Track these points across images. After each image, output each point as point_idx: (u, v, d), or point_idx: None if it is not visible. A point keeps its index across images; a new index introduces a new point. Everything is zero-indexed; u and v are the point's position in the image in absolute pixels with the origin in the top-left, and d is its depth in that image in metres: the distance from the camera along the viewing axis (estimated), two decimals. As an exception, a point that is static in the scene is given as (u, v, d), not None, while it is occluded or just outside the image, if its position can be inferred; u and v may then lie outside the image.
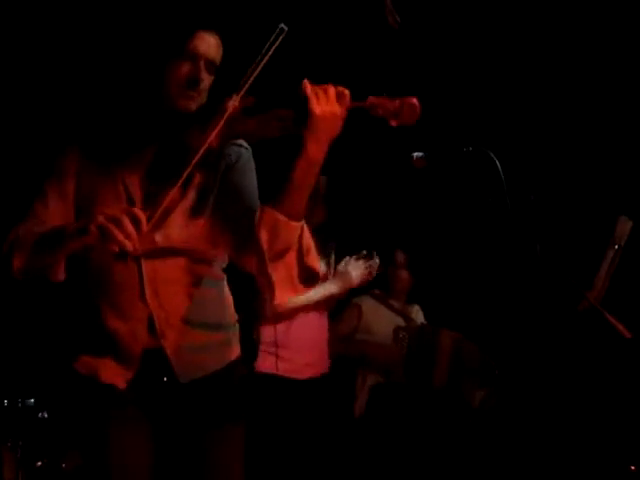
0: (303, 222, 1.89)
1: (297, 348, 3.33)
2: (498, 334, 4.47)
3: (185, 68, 1.93)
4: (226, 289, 2.15)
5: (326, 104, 1.82)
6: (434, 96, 4.55)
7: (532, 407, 4.14)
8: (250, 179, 2.04)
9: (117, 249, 1.73)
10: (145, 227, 1.74)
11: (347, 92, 1.85)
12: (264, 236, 1.86)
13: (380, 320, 4.29)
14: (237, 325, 2.18)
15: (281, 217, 1.85)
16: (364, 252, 3.53)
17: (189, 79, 1.93)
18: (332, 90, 1.84)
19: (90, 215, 1.85)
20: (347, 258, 3.51)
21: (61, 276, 1.99)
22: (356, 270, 3.48)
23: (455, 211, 4.72)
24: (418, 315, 4.47)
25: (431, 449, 3.96)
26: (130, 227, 1.71)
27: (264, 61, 1.86)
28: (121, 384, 2.00)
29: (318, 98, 1.82)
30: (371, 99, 1.89)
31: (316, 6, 3.86)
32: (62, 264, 1.98)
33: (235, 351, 2.15)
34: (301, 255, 1.90)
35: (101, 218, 1.74)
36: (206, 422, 2.03)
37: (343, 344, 4.15)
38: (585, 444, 3.96)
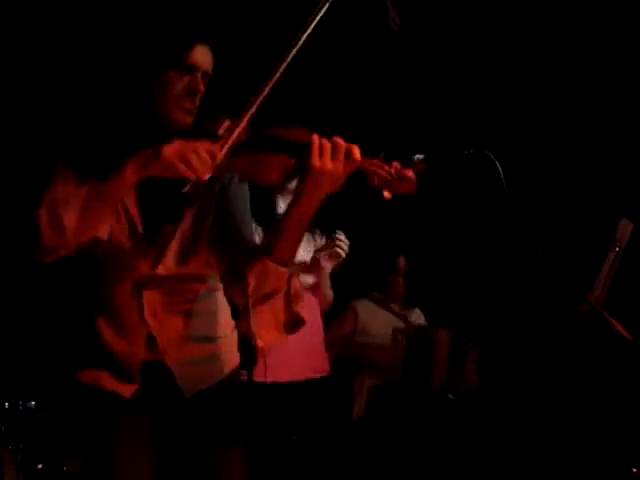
0: (292, 269, 1.88)
1: (290, 351, 3.30)
2: (500, 336, 4.46)
3: (185, 80, 1.90)
4: (222, 299, 2.14)
5: (330, 160, 1.76)
6: (435, 99, 4.57)
7: (534, 409, 4.14)
8: (241, 200, 2.02)
9: (193, 176, 1.72)
10: (220, 157, 1.73)
11: (357, 152, 1.79)
12: (252, 281, 1.85)
13: (378, 322, 4.31)
14: (235, 332, 2.18)
15: (270, 264, 1.83)
16: (329, 234, 3.50)
17: (190, 90, 1.89)
18: (342, 147, 1.77)
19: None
20: (312, 247, 3.49)
21: (107, 232, 1.91)
22: (324, 254, 3.44)
23: (456, 214, 4.71)
24: (419, 318, 4.47)
25: (430, 450, 3.96)
26: (197, 163, 1.72)
27: (268, 89, 1.82)
28: (126, 394, 1.99)
29: (322, 152, 1.76)
30: (366, 163, 1.80)
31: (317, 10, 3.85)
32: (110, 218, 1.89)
33: (235, 359, 2.15)
34: (289, 300, 1.88)
35: (168, 153, 1.74)
36: (209, 431, 2.03)
37: (341, 347, 4.17)
38: (587, 446, 3.96)
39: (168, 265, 1.97)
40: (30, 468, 3.67)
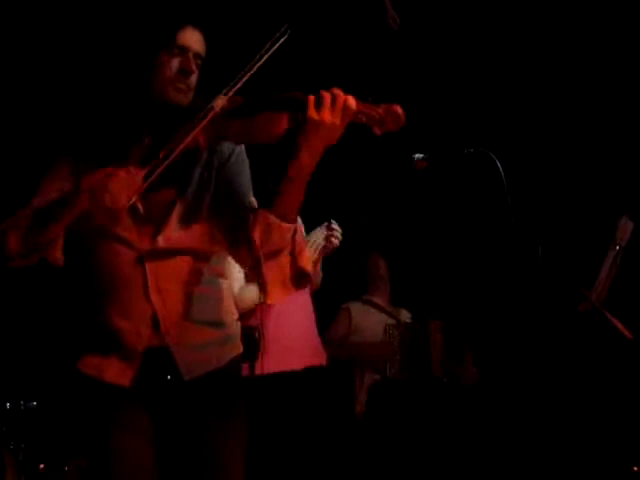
0: (296, 224, 1.92)
1: (285, 339, 3.31)
2: (501, 335, 4.47)
3: (176, 61, 1.96)
4: (227, 288, 2.16)
5: (328, 112, 1.81)
6: (435, 98, 4.57)
7: (534, 408, 4.14)
8: (244, 174, 2.06)
9: (109, 204, 1.79)
10: (140, 184, 1.80)
11: (354, 104, 1.83)
12: (257, 237, 1.89)
13: (370, 321, 4.43)
14: (238, 323, 2.19)
15: (273, 219, 1.88)
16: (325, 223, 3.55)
17: (181, 70, 1.96)
18: (340, 99, 1.82)
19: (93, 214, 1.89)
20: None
21: (60, 257, 1.97)
22: (313, 240, 3.47)
23: (456, 213, 4.72)
24: (406, 317, 4.61)
25: (431, 444, 3.98)
26: (117, 186, 1.79)
27: (260, 62, 1.87)
28: (125, 382, 1.99)
29: (321, 104, 1.81)
30: (360, 108, 1.85)
31: (316, 7, 3.86)
32: (60, 243, 1.96)
33: (237, 348, 2.15)
34: (293, 256, 1.93)
35: (125, 197, 1.81)
36: (208, 420, 2.03)
37: (338, 348, 4.28)
38: (587, 445, 3.96)
39: (168, 236, 1.98)
40: (31, 468, 3.67)
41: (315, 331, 3.55)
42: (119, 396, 2.00)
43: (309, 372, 3.42)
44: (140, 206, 1.97)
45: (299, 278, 1.96)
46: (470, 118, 4.54)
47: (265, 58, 1.87)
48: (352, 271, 4.63)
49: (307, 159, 1.85)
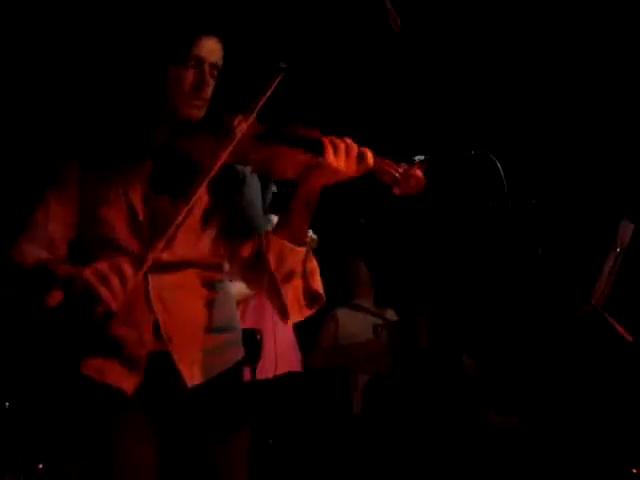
0: (307, 246, 1.96)
1: (271, 347, 3.32)
2: (500, 337, 4.47)
3: (190, 74, 1.93)
4: (229, 291, 2.15)
5: (343, 160, 1.87)
6: (436, 100, 4.57)
7: (534, 410, 4.14)
8: (256, 194, 2.09)
9: (101, 310, 1.75)
10: (131, 285, 1.77)
11: (370, 156, 1.89)
12: (272, 260, 1.93)
13: (358, 324, 4.52)
14: (240, 326, 2.18)
15: (286, 244, 1.93)
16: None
17: (195, 84, 1.93)
18: (354, 148, 1.88)
19: (96, 223, 1.94)
20: None
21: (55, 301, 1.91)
22: None
23: (456, 214, 4.72)
24: (394, 317, 4.68)
25: (429, 440, 3.99)
26: (117, 287, 1.74)
27: (275, 84, 1.89)
28: (128, 388, 1.99)
29: (336, 150, 1.87)
30: (378, 163, 1.91)
31: (318, 10, 3.86)
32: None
33: (239, 352, 2.14)
34: (306, 278, 1.96)
35: (88, 273, 1.76)
36: (211, 426, 2.02)
37: (328, 355, 4.40)
38: (587, 447, 3.96)
39: (173, 251, 1.98)
40: (31, 468, 3.67)
41: (292, 338, 3.57)
42: (121, 398, 1.99)
43: (306, 376, 3.44)
44: (142, 219, 1.97)
45: (312, 300, 1.98)
46: (471, 120, 4.54)
47: (276, 83, 1.88)
48: (335, 277, 4.65)
49: (318, 188, 1.91)
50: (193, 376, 2.00)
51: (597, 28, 4.34)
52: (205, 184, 1.86)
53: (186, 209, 1.85)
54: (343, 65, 4.21)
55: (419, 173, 1.91)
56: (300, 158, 1.89)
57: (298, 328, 3.59)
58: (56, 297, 1.78)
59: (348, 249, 4.70)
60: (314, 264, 1.98)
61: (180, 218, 1.85)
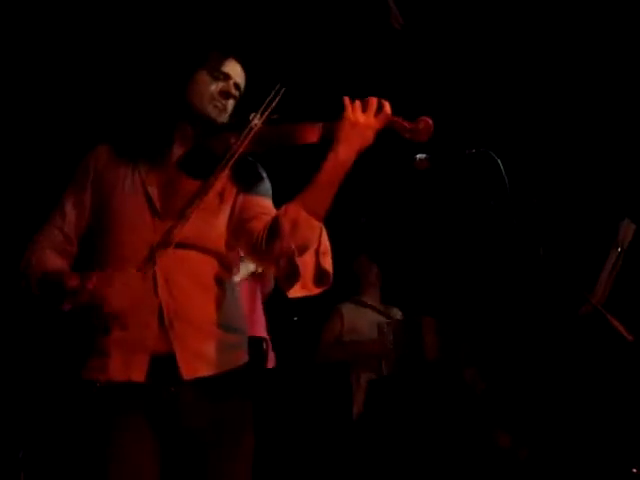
0: (322, 223, 1.97)
1: None
2: (501, 336, 4.47)
3: (220, 84, 2.10)
4: (238, 294, 2.17)
5: (362, 114, 1.96)
6: (437, 98, 4.57)
7: (535, 410, 4.14)
8: (267, 184, 2.14)
9: (101, 323, 1.91)
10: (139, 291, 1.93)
11: (387, 107, 1.98)
12: (286, 226, 1.94)
13: (363, 320, 4.51)
14: (246, 330, 2.17)
15: (303, 213, 1.93)
16: None
17: (222, 91, 2.09)
18: (373, 102, 1.98)
19: (111, 213, 2.02)
20: None
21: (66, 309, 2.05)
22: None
23: (458, 213, 4.72)
24: (398, 316, 4.68)
25: (430, 440, 3.99)
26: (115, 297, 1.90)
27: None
28: (130, 376, 1.98)
29: (355, 107, 1.96)
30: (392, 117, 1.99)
31: (321, 10, 3.87)
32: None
33: (242, 357, 2.13)
34: (318, 256, 1.97)
35: (89, 289, 1.90)
36: (214, 431, 2.01)
37: (332, 349, 4.39)
38: (587, 446, 3.96)
39: (184, 233, 2.00)
40: (31, 466, 3.67)
41: (264, 327, 3.58)
42: (122, 403, 1.98)
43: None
44: (157, 202, 2.03)
45: (320, 279, 1.99)
46: (472, 119, 4.53)
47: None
48: (344, 273, 4.65)
49: (344, 154, 1.95)
50: (189, 370, 1.98)
51: (597, 26, 4.34)
52: (225, 172, 1.97)
53: (204, 194, 1.98)
54: (345, 62, 4.20)
55: (428, 119, 2.00)
56: (308, 125, 1.98)
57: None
58: (66, 306, 1.95)
59: (351, 247, 4.69)
60: (327, 244, 2.00)
61: (198, 201, 1.97)
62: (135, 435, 1.97)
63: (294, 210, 1.94)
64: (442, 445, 3.99)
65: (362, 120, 1.95)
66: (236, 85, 2.12)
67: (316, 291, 2.01)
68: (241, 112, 2.10)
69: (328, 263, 1.99)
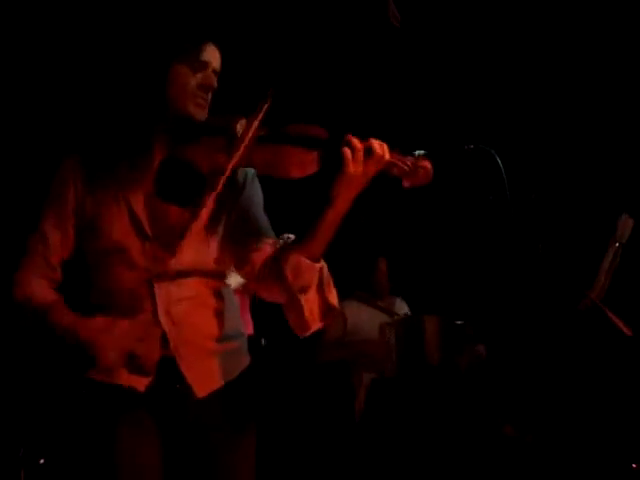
0: (323, 262, 1.94)
1: None
2: (500, 333, 4.48)
3: (198, 76, 1.97)
4: (233, 298, 2.15)
5: (362, 164, 1.86)
6: (435, 94, 4.57)
7: (534, 406, 4.15)
8: (258, 198, 2.08)
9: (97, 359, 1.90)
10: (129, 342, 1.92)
11: (387, 153, 1.87)
12: (289, 275, 1.91)
13: (365, 319, 4.48)
14: (246, 333, 2.17)
15: (304, 260, 1.91)
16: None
17: (202, 85, 1.97)
18: (375, 149, 1.86)
19: (98, 239, 1.97)
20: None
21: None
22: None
23: (456, 209, 4.72)
24: (401, 306, 4.68)
25: (431, 441, 3.99)
26: (107, 346, 1.89)
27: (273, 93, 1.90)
28: (140, 386, 1.97)
29: (355, 158, 1.85)
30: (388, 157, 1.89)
31: (319, 7, 3.86)
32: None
33: (246, 359, 2.13)
34: (321, 290, 1.95)
35: (83, 336, 1.91)
36: (218, 430, 2.01)
37: (335, 349, 4.36)
38: (587, 442, 3.96)
39: (180, 260, 1.98)
40: (32, 464, 3.67)
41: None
42: (127, 398, 1.97)
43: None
44: (148, 229, 1.96)
45: (327, 312, 1.97)
46: (470, 115, 4.54)
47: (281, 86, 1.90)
48: (354, 272, 4.64)
49: (342, 206, 1.90)
50: (201, 387, 1.99)
51: (597, 25, 4.34)
52: (215, 192, 1.90)
53: (195, 218, 1.92)
54: (343, 60, 4.20)
55: (427, 164, 1.91)
56: (304, 156, 1.88)
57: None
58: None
59: (351, 246, 4.69)
60: (328, 275, 1.97)
61: (190, 227, 1.92)
62: (140, 431, 1.97)
63: (295, 258, 1.91)
64: (444, 444, 3.99)
65: (361, 171, 1.86)
66: (215, 72, 2.00)
67: (323, 325, 2.00)
68: (218, 106, 2.01)
69: (332, 295, 1.97)
